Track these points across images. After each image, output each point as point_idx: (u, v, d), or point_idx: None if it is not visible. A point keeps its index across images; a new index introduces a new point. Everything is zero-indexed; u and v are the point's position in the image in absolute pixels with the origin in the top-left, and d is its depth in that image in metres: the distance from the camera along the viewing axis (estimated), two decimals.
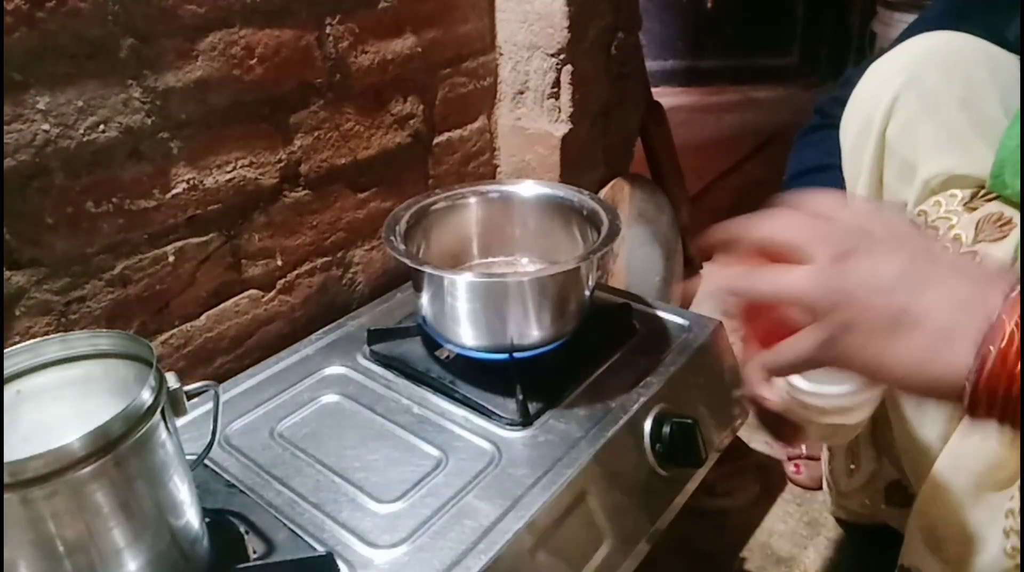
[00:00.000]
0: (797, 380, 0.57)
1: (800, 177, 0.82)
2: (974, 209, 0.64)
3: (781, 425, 0.52)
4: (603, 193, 1.30)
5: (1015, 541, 0.60)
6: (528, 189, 0.98)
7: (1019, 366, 0.34)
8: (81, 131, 0.73)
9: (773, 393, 0.49)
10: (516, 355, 0.83)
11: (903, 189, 0.69)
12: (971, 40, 0.67)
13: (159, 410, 0.53)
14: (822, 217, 0.39)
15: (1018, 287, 0.36)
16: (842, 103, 0.75)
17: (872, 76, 0.72)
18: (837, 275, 0.37)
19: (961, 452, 0.68)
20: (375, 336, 0.90)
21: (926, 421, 0.75)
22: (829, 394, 0.55)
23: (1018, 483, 0.63)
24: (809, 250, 0.38)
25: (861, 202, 0.42)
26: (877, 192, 0.71)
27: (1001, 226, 0.62)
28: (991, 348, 0.35)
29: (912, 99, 0.67)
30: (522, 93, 1.19)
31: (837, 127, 0.76)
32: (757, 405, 0.49)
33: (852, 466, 0.92)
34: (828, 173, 0.77)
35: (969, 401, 0.36)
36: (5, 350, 0.57)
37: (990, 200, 0.63)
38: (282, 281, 0.97)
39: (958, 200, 0.65)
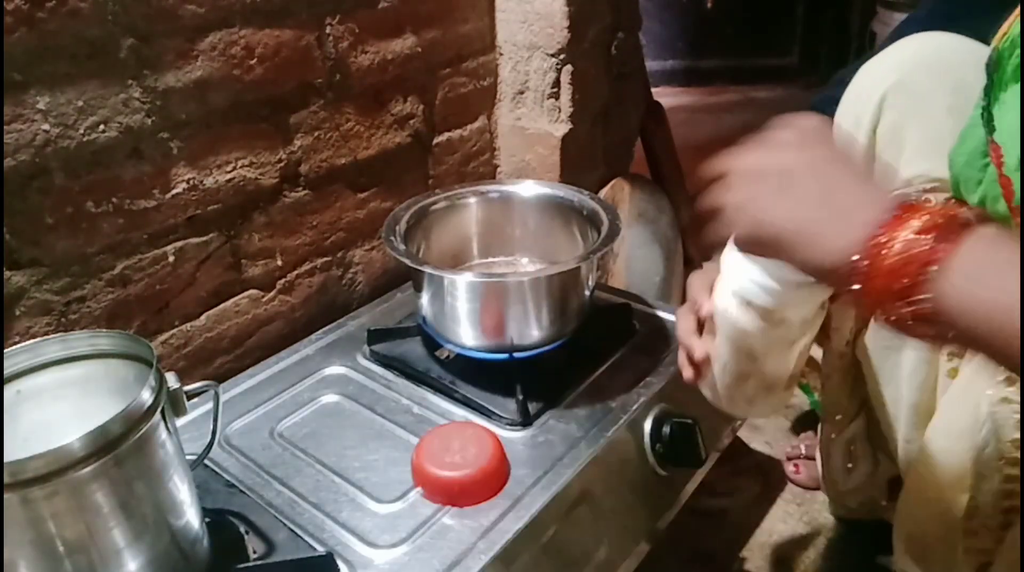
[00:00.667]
0: (750, 273, 0.60)
1: None
2: None
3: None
4: (603, 193, 1.30)
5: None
6: (528, 189, 0.98)
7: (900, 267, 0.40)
8: (81, 131, 0.73)
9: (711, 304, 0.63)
10: (516, 355, 0.83)
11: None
12: (963, 42, 0.67)
13: (159, 410, 0.53)
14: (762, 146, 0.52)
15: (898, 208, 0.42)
16: (836, 102, 0.75)
17: (863, 76, 0.72)
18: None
19: (934, 452, 0.69)
20: (375, 336, 0.90)
21: (900, 425, 0.77)
22: (776, 283, 0.59)
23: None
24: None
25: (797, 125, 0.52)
26: None
27: None
28: (882, 238, 0.40)
29: (900, 101, 0.68)
30: (522, 93, 1.19)
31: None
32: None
33: (849, 465, 0.92)
34: None
35: (861, 282, 0.41)
36: (5, 350, 0.57)
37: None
38: (282, 281, 0.97)
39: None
